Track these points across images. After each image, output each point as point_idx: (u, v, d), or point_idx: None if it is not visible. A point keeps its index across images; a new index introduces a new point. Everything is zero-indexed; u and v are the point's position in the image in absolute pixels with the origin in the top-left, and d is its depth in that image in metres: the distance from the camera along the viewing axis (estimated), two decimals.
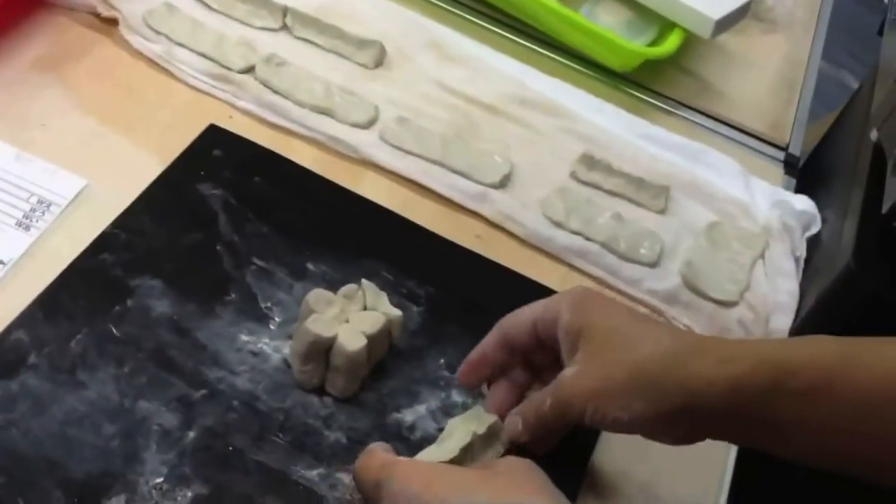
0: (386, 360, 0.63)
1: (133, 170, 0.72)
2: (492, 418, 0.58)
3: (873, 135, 0.73)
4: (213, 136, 0.75)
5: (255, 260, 0.68)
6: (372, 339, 0.60)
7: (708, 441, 0.54)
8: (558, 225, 0.76)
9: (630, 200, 0.80)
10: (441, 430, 0.60)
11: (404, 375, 0.63)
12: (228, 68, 0.80)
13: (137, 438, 0.57)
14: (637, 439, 0.54)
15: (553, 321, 0.56)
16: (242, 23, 0.85)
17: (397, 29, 0.90)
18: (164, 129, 0.76)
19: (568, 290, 0.58)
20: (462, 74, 0.88)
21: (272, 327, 0.64)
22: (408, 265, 0.70)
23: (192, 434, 0.58)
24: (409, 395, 0.63)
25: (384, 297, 0.63)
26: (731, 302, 0.74)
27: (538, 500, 0.48)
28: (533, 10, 0.94)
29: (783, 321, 0.74)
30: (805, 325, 0.72)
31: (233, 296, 0.65)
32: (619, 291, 0.75)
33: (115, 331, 0.61)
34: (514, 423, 0.57)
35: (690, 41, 0.95)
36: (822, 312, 0.71)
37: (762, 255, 0.78)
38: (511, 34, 0.97)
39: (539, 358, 0.60)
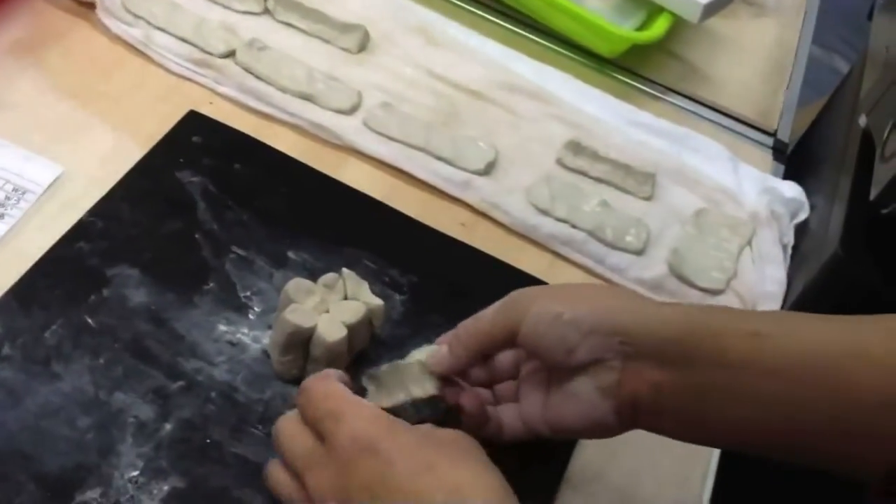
0: (368, 350, 0.62)
1: (110, 157, 0.70)
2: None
3: (862, 121, 0.73)
4: (193, 123, 0.74)
5: (235, 248, 0.67)
6: (352, 330, 0.59)
7: None
8: (544, 212, 0.75)
9: (617, 187, 0.80)
10: (423, 420, 0.59)
11: None
12: (209, 53, 0.79)
13: (113, 431, 0.56)
14: (618, 437, 0.53)
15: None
16: (223, 6, 0.84)
17: (382, 13, 0.88)
18: (142, 115, 0.74)
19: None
20: (447, 59, 0.86)
21: (251, 317, 0.63)
22: (391, 253, 0.69)
23: (168, 426, 0.57)
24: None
25: (365, 286, 0.62)
26: (718, 290, 0.73)
27: (482, 473, 0.47)
28: None
29: (771, 308, 0.73)
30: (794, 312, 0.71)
31: (211, 285, 0.64)
32: (606, 279, 0.74)
33: (90, 321, 0.60)
34: (438, 348, 0.55)
35: (678, 25, 0.94)
36: (810, 300, 0.70)
37: (749, 243, 0.78)
38: (497, 18, 0.95)
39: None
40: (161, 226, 0.67)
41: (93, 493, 0.53)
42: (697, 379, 0.48)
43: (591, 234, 0.75)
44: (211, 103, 0.77)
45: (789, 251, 0.77)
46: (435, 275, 0.69)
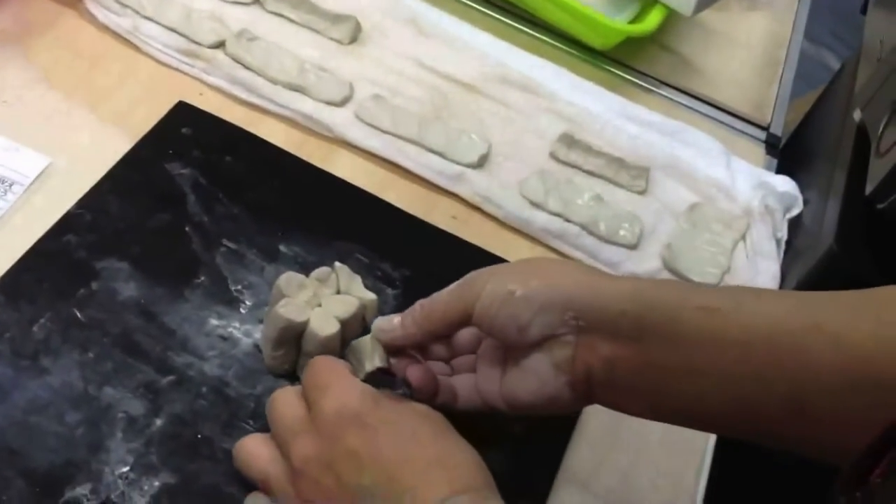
0: None
1: (99, 148, 0.69)
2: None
3: (857, 115, 0.72)
4: (183, 114, 0.73)
5: (226, 241, 0.66)
6: (345, 324, 0.58)
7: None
8: (537, 206, 0.75)
9: (610, 181, 0.79)
10: None
11: None
12: (198, 43, 0.78)
13: (102, 426, 0.55)
14: (614, 426, 0.53)
15: None
16: None
17: (373, 4, 0.88)
18: (131, 106, 0.73)
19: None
20: (439, 51, 0.86)
21: (242, 311, 0.62)
22: (383, 247, 0.68)
23: (159, 422, 0.56)
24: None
25: (358, 280, 0.61)
26: (712, 285, 0.73)
27: (459, 444, 0.48)
28: None
29: None
30: None
31: (202, 279, 0.63)
32: None
33: (79, 315, 0.60)
34: (389, 318, 0.55)
35: (671, 18, 0.93)
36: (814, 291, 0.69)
37: (743, 237, 0.77)
38: (490, 10, 0.95)
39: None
40: (150, 218, 0.66)
41: (82, 490, 0.52)
42: (651, 354, 0.48)
43: (584, 227, 0.74)
44: (201, 94, 0.76)
45: (783, 246, 0.77)
46: (427, 269, 0.68)
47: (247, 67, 0.77)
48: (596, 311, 0.48)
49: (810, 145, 0.90)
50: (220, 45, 0.78)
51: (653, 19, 0.90)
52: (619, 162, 0.79)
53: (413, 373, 0.53)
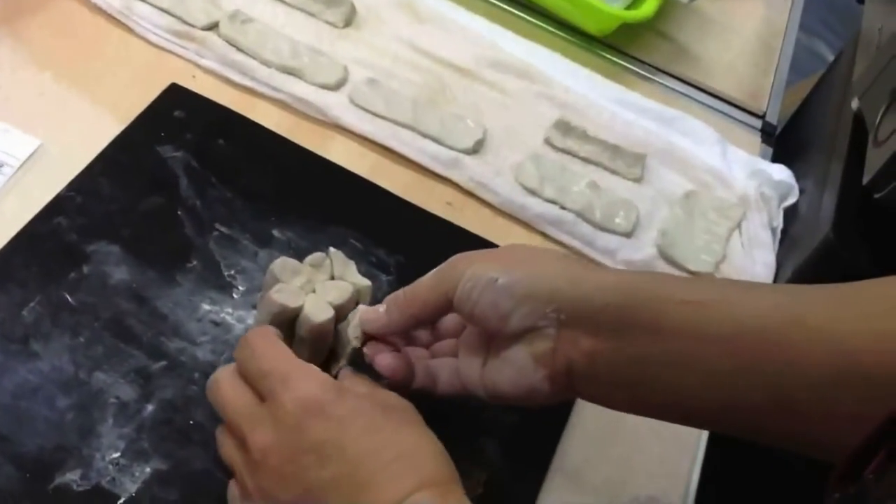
0: None
1: (90, 130, 0.68)
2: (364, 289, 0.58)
3: (854, 104, 0.72)
4: (175, 96, 0.72)
5: (218, 226, 0.65)
6: (339, 310, 0.57)
7: None
8: (532, 192, 0.74)
9: (606, 168, 0.79)
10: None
11: None
12: (191, 25, 0.77)
13: (93, 411, 0.55)
14: (609, 417, 0.52)
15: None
16: None
17: None
18: (123, 88, 0.72)
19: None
20: (435, 35, 0.85)
21: (235, 296, 0.62)
22: (377, 233, 0.68)
23: (150, 407, 0.56)
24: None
25: (352, 265, 0.60)
26: (707, 273, 0.73)
27: (425, 437, 0.47)
28: None
29: None
30: None
31: (194, 263, 0.63)
32: (595, 261, 0.73)
33: (70, 299, 0.59)
34: (374, 307, 0.54)
35: (668, 5, 0.93)
36: (800, 284, 0.69)
37: (739, 226, 0.77)
38: None
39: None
40: (142, 202, 0.65)
41: (73, 475, 0.52)
42: (632, 348, 0.47)
43: (579, 215, 0.74)
44: (193, 77, 0.75)
45: (778, 235, 0.77)
46: (422, 255, 0.67)
47: (240, 50, 0.76)
48: (578, 305, 0.47)
49: (806, 134, 0.90)
50: (213, 26, 0.77)
51: (649, 6, 0.90)
52: (615, 149, 0.79)
53: (382, 360, 0.53)
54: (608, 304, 0.47)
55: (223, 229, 0.65)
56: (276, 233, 0.66)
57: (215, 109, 0.73)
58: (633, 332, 0.47)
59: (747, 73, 0.96)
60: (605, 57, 0.92)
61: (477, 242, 0.70)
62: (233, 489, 0.50)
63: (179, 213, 0.65)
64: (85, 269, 0.60)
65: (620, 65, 0.92)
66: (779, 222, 0.78)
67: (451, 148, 0.75)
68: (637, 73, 0.92)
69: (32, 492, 0.51)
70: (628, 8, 0.91)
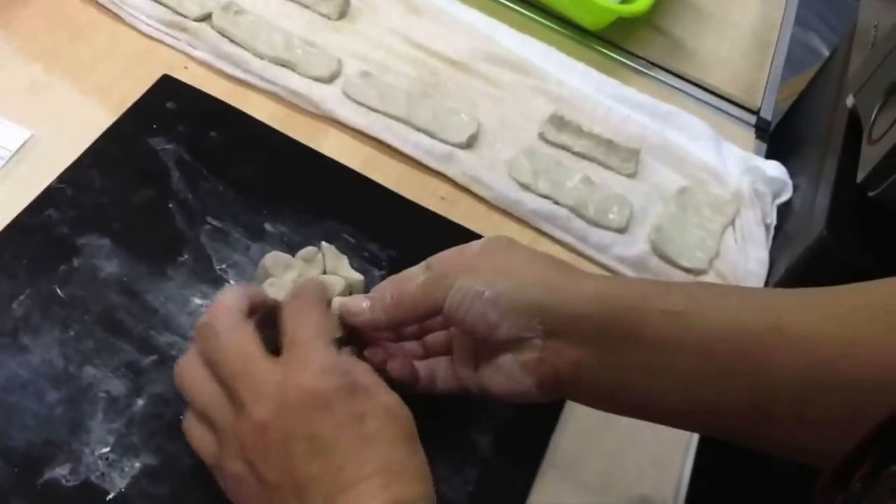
0: None
1: (81, 121, 0.68)
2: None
3: (849, 101, 0.72)
4: (167, 88, 0.72)
5: (210, 219, 0.65)
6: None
7: None
8: (526, 188, 0.74)
9: (600, 163, 0.78)
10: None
11: None
12: (183, 15, 0.76)
13: (83, 406, 0.54)
14: (601, 414, 0.52)
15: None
16: None
17: None
18: (114, 79, 0.72)
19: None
20: (429, 28, 0.84)
21: None
22: (370, 227, 0.67)
23: (140, 402, 0.55)
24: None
25: (345, 260, 0.60)
26: (700, 270, 0.73)
27: (412, 454, 0.48)
28: None
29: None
30: None
31: (185, 257, 0.62)
32: (588, 258, 0.73)
33: (60, 292, 0.58)
34: (357, 298, 0.54)
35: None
36: (793, 281, 0.69)
37: (732, 222, 0.77)
38: None
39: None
40: (133, 194, 0.65)
41: (62, 470, 0.52)
42: (615, 357, 0.48)
43: (573, 210, 0.73)
44: (186, 68, 0.75)
45: (772, 231, 0.77)
46: (415, 250, 0.66)
47: (233, 41, 0.76)
48: (560, 316, 0.49)
49: (801, 130, 0.90)
50: (206, 17, 0.77)
51: (645, 0, 0.89)
52: (609, 144, 0.78)
53: (394, 366, 0.53)
54: (588, 315, 0.48)
55: (215, 222, 0.64)
56: (268, 226, 0.65)
57: (207, 101, 0.72)
58: (613, 342, 0.48)
59: (742, 68, 0.96)
60: (600, 51, 0.92)
61: (470, 237, 0.69)
62: (204, 439, 0.49)
63: (171, 205, 0.65)
64: (75, 262, 0.60)
65: (616, 59, 0.92)
66: (772, 219, 0.77)
67: (445, 142, 0.75)
68: (632, 68, 0.91)
69: (21, 487, 0.51)
70: (624, 2, 0.91)
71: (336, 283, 0.58)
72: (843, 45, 0.88)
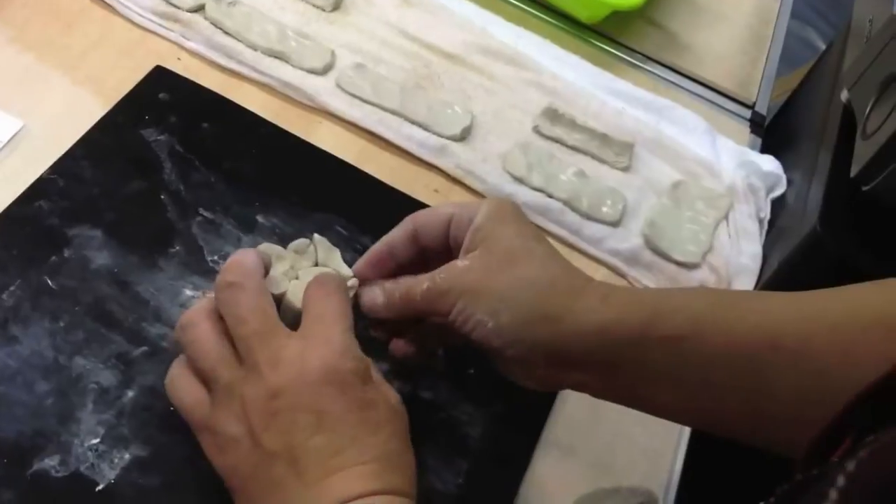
0: None
1: (73, 112, 0.68)
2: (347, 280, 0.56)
3: (843, 95, 0.71)
4: (160, 79, 0.72)
5: (202, 211, 0.64)
6: None
7: None
8: (519, 181, 0.74)
9: (594, 157, 0.78)
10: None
11: (356, 336, 0.61)
12: (177, 6, 0.76)
13: (73, 397, 0.54)
14: (592, 406, 0.53)
15: (468, 220, 0.54)
16: None
17: None
18: (106, 70, 0.72)
19: (492, 199, 0.56)
20: (423, 20, 0.84)
21: None
22: (363, 219, 0.67)
23: (131, 393, 0.55)
24: None
25: (337, 253, 0.60)
26: (693, 263, 0.73)
27: (405, 450, 0.49)
28: None
29: (745, 284, 0.72)
30: (767, 288, 0.70)
31: (177, 248, 0.62)
32: (581, 251, 0.73)
33: (50, 283, 0.58)
34: (375, 295, 0.55)
35: None
36: (786, 276, 0.69)
37: (726, 216, 0.77)
38: None
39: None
40: (125, 185, 0.64)
41: (51, 461, 0.52)
42: (619, 379, 0.50)
43: (566, 203, 0.73)
44: (179, 59, 0.74)
45: (765, 225, 0.77)
46: None
47: (226, 32, 0.76)
48: (563, 352, 0.50)
49: (795, 125, 0.90)
50: (199, 8, 0.77)
51: None
52: (603, 137, 0.78)
53: (396, 346, 0.56)
54: (592, 352, 0.50)
55: (206, 214, 0.64)
56: (260, 218, 0.65)
57: (200, 93, 0.72)
58: (617, 368, 0.50)
59: (738, 62, 0.96)
60: (595, 45, 0.92)
61: None
62: (196, 396, 0.49)
63: (162, 197, 0.64)
64: (66, 252, 0.60)
65: (610, 53, 0.91)
66: (766, 213, 0.77)
67: (439, 135, 0.75)
68: (627, 62, 0.91)
69: (10, 477, 0.51)
70: None
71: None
72: (838, 39, 0.88)
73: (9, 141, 0.65)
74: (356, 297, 0.57)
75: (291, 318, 0.56)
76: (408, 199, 0.71)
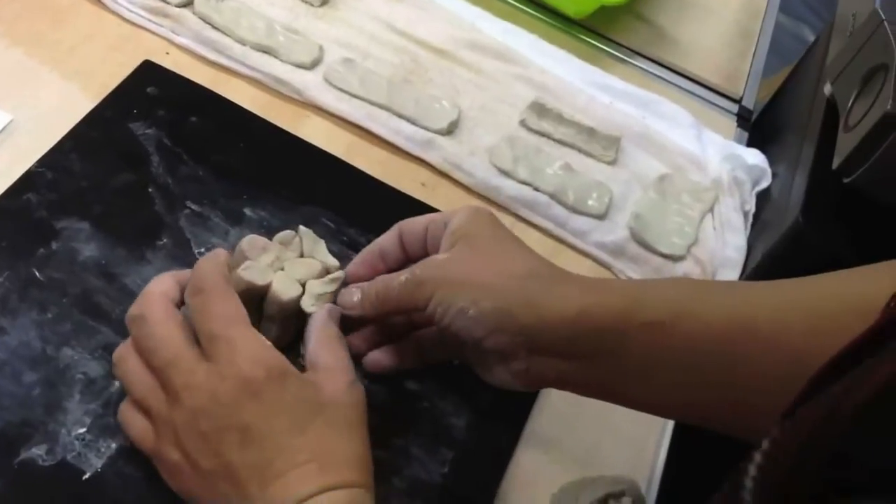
0: None
1: (61, 106, 0.68)
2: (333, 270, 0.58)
3: (827, 89, 0.72)
4: (148, 73, 0.72)
5: (190, 204, 0.65)
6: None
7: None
8: (506, 174, 0.74)
9: (580, 150, 0.79)
10: (379, 382, 0.58)
11: None
12: (165, 1, 0.76)
13: (60, 387, 0.55)
14: (577, 399, 0.53)
15: (444, 224, 0.56)
16: None
17: None
18: (95, 64, 0.72)
19: (468, 206, 0.57)
20: (411, 15, 0.85)
21: None
22: (349, 212, 0.68)
23: (117, 384, 0.55)
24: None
25: (322, 244, 0.60)
26: (679, 256, 0.73)
27: (353, 441, 0.49)
28: None
29: (730, 275, 0.73)
30: (752, 279, 0.71)
31: (164, 241, 0.63)
32: (567, 244, 0.73)
33: (38, 275, 0.59)
34: (351, 293, 0.56)
35: None
36: (770, 268, 0.70)
37: (711, 209, 0.77)
38: None
39: None
40: (113, 178, 0.65)
41: (38, 450, 0.52)
42: (599, 368, 0.51)
43: (552, 197, 0.74)
44: (167, 54, 0.75)
45: (750, 218, 0.77)
46: None
47: (215, 27, 0.76)
48: (544, 339, 0.50)
49: (782, 119, 0.90)
50: (188, 3, 0.77)
51: None
52: (590, 131, 0.79)
53: (369, 361, 0.58)
54: (573, 338, 0.50)
55: (194, 207, 0.65)
56: (247, 211, 0.66)
57: (189, 87, 0.72)
58: (596, 357, 0.50)
59: (725, 56, 0.96)
60: (582, 39, 0.92)
61: None
62: (141, 427, 0.50)
63: (150, 190, 0.65)
64: (54, 245, 0.60)
65: (598, 47, 0.92)
66: (751, 206, 0.78)
67: (426, 129, 0.75)
68: (615, 56, 0.92)
69: None
70: None
71: (313, 266, 0.58)
72: (823, 34, 0.88)
73: None
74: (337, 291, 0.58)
75: (277, 309, 0.57)
76: (395, 193, 0.71)
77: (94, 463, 0.52)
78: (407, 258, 0.58)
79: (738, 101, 0.92)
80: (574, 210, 0.74)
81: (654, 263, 0.73)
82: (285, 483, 0.46)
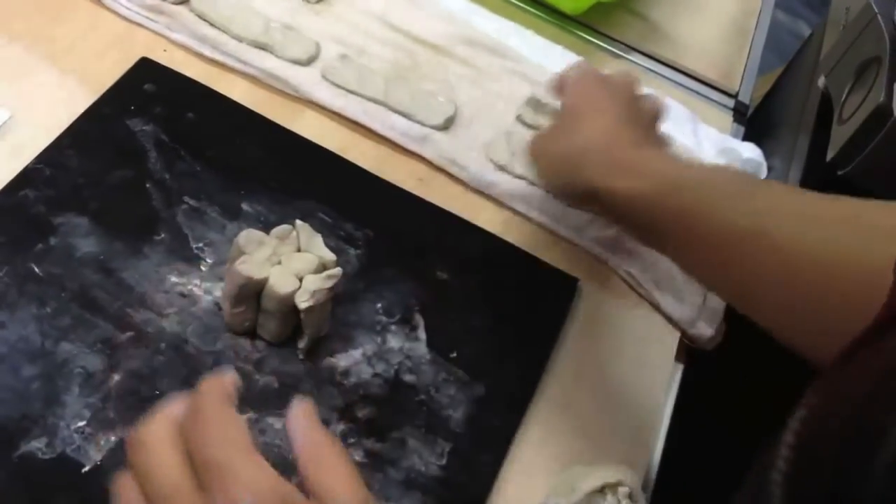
0: None
1: (59, 102, 0.69)
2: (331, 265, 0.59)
3: (821, 82, 0.73)
4: (145, 70, 0.72)
5: (187, 199, 0.65)
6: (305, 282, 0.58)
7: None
8: (502, 169, 0.75)
9: None
10: (376, 375, 0.59)
11: (339, 320, 0.62)
12: None
13: (59, 381, 0.55)
14: (574, 391, 0.54)
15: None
16: None
17: None
18: (93, 61, 0.72)
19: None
20: (407, 11, 0.85)
21: (203, 269, 0.62)
22: (346, 207, 0.68)
23: (116, 377, 0.56)
24: (344, 339, 0.61)
25: (319, 239, 0.61)
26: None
27: None
28: None
29: None
30: None
31: (162, 235, 0.63)
32: (563, 238, 0.73)
33: (37, 269, 0.59)
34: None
35: None
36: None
37: None
38: None
39: None
40: (110, 174, 0.65)
41: (38, 444, 0.52)
42: (648, 242, 0.62)
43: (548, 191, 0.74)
44: (164, 50, 0.75)
45: None
46: (390, 230, 0.68)
47: (211, 24, 0.76)
48: (609, 209, 0.61)
49: (777, 112, 0.91)
50: (184, 0, 0.77)
51: None
52: None
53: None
54: (635, 214, 0.58)
55: (191, 202, 0.65)
56: (244, 206, 0.66)
57: (186, 83, 0.73)
58: (643, 230, 0.60)
59: (721, 52, 0.97)
60: (578, 35, 0.92)
61: (446, 218, 0.71)
62: None
63: (148, 185, 0.65)
64: (52, 240, 0.61)
65: (594, 43, 0.92)
66: None
67: (422, 124, 0.75)
68: (610, 52, 0.92)
69: None
70: None
71: (309, 260, 0.59)
72: (818, 28, 0.89)
73: None
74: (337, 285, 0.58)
75: (274, 304, 0.57)
76: (390, 187, 0.71)
77: (94, 456, 0.53)
78: None
79: (734, 97, 0.92)
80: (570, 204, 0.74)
81: (650, 257, 0.73)
82: None
